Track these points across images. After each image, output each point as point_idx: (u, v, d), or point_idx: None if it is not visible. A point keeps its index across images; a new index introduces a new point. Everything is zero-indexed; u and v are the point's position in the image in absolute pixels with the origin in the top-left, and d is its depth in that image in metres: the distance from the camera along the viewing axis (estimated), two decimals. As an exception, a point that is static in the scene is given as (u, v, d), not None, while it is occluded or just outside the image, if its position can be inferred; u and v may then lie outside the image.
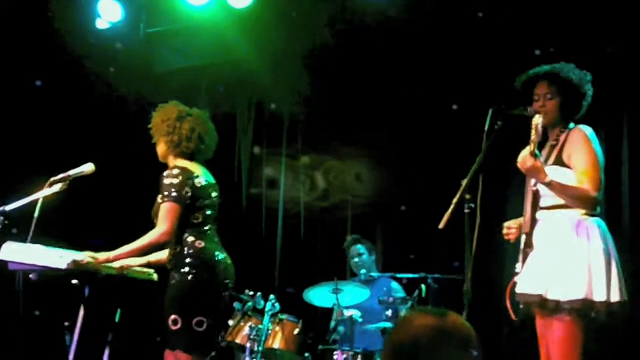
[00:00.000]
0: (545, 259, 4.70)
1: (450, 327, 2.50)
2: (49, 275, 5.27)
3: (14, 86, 8.46)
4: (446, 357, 2.44)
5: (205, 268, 5.27)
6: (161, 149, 5.56)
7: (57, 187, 5.43)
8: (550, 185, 4.65)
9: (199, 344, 5.24)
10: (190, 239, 5.31)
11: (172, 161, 5.49)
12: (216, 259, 5.34)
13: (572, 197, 4.70)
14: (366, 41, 8.33)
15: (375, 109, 8.50)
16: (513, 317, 4.85)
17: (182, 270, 5.27)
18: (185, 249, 5.30)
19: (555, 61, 5.61)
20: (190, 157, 5.52)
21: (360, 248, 8.06)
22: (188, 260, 5.27)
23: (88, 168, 5.56)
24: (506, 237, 5.10)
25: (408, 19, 7.93)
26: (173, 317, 5.22)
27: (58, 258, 5.18)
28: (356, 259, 8.03)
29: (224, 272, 5.34)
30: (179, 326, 5.20)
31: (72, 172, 5.50)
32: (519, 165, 4.70)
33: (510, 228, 5.08)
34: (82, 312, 5.52)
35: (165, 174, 5.35)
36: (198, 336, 5.20)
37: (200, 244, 5.31)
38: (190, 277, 5.24)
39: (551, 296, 4.61)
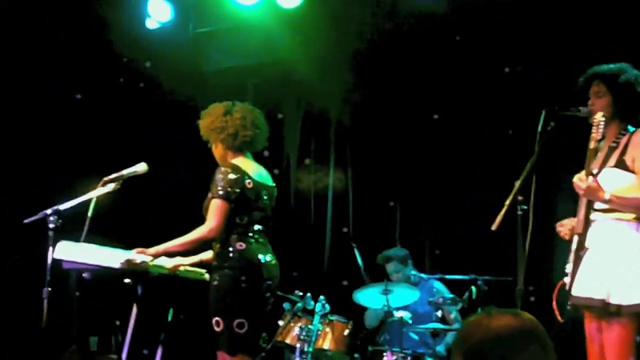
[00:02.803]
0: (604, 262, 4.66)
1: (530, 327, 2.49)
2: (102, 274, 5.30)
3: (68, 86, 8.54)
4: (530, 356, 2.43)
5: (245, 269, 5.26)
6: (218, 150, 5.58)
7: (110, 187, 5.47)
8: (610, 202, 4.61)
9: (241, 345, 5.23)
10: (233, 239, 5.31)
11: (231, 159, 5.50)
12: (258, 260, 5.32)
13: (635, 208, 4.64)
14: (412, 42, 8.33)
15: (425, 109, 8.51)
16: (559, 318, 4.82)
17: (223, 272, 5.28)
18: (227, 249, 5.31)
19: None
20: (249, 147, 5.54)
21: (393, 265, 7.87)
22: (229, 261, 5.28)
23: (141, 167, 5.60)
24: (560, 235, 5.06)
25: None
26: (215, 318, 5.24)
27: (111, 257, 5.21)
28: (394, 276, 7.84)
29: (265, 273, 5.32)
30: (220, 328, 5.21)
31: (125, 172, 5.54)
32: (575, 187, 4.69)
33: (562, 225, 5.04)
34: (134, 311, 5.56)
35: (218, 170, 5.37)
36: (240, 338, 5.19)
37: (242, 245, 5.30)
38: (230, 279, 5.24)
39: (613, 300, 4.58)
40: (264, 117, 5.71)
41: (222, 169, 5.36)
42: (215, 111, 5.57)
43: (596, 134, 4.64)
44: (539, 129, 4.84)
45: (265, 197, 5.49)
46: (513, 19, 7.69)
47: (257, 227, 5.43)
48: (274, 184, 5.66)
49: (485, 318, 2.54)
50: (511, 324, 2.48)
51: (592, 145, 4.65)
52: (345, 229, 9.04)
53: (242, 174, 5.36)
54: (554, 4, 7.55)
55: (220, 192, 5.26)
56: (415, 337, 7.33)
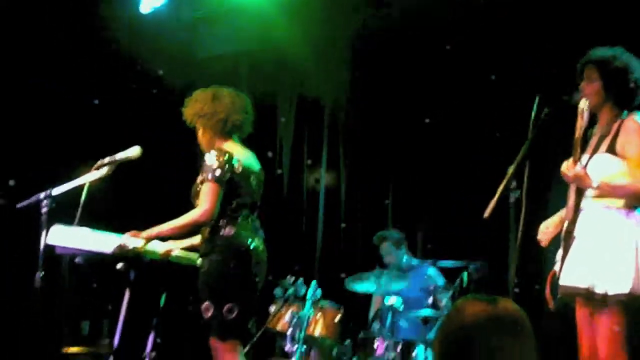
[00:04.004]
0: (591, 250, 4.64)
1: (501, 314, 2.48)
2: (94, 259, 5.29)
3: (59, 71, 8.51)
4: (499, 344, 2.42)
5: (234, 254, 5.23)
6: (206, 136, 5.53)
7: (103, 171, 5.43)
8: (599, 188, 4.62)
9: (232, 330, 5.21)
10: (222, 224, 5.28)
11: (219, 145, 5.49)
12: (247, 245, 5.28)
13: (624, 196, 4.62)
14: (408, 30, 8.34)
15: (421, 96, 8.51)
16: (550, 305, 4.82)
17: (212, 258, 5.24)
18: (216, 235, 5.28)
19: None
20: (238, 131, 5.53)
21: (387, 246, 7.96)
22: (218, 247, 5.25)
23: (134, 152, 5.55)
24: (540, 242, 5.08)
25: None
26: (205, 304, 5.21)
27: (104, 242, 5.19)
28: (386, 258, 7.96)
29: (254, 258, 5.29)
30: (210, 313, 5.19)
31: (118, 156, 5.51)
32: (562, 175, 4.69)
33: (545, 233, 5.06)
34: (127, 296, 5.55)
35: (208, 154, 5.35)
36: (230, 323, 5.16)
37: (231, 230, 5.27)
38: (219, 264, 5.21)
39: (598, 289, 4.56)
40: (251, 102, 5.70)
41: (213, 152, 5.34)
42: (203, 97, 5.53)
43: (581, 122, 4.64)
44: (533, 115, 4.82)
45: (254, 182, 5.47)
46: (510, 20, 7.73)
47: (245, 212, 5.40)
48: (261, 169, 5.64)
49: (461, 305, 2.55)
50: (481, 311, 2.48)
51: (577, 134, 4.64)
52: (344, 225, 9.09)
53: (231, 158, 5.34)
54: (550, 6, 7.55)
55: (212, 176, 5.23)
56: (405, 325, 7.35)
